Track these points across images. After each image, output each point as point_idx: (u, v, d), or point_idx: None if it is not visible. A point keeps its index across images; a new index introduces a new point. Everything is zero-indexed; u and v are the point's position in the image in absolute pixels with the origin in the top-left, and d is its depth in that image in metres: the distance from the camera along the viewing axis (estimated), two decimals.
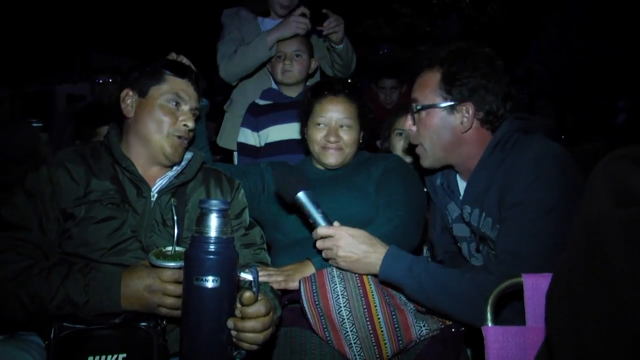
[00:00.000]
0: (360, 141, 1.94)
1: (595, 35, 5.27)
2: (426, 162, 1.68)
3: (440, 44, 4.80)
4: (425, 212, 1.91)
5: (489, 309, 1.16)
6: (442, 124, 1.59)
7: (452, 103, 1.57)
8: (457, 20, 4.87)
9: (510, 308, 1.29)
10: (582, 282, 0.69)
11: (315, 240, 1.55)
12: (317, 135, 1.89)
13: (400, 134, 2.43)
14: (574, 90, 4.83)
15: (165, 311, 1.29)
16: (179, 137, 1.60)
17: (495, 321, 1.17)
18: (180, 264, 1.22)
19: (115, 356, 1.21)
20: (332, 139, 1.87)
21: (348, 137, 1.89)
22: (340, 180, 1.91)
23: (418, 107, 1.62)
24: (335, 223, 1.53)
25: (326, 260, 1.54)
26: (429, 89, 1.60)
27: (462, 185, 1.69)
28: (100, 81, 4.04)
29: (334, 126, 1.88)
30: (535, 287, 1.11)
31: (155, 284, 1.28)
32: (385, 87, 3.82)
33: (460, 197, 1.67)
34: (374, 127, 2.57)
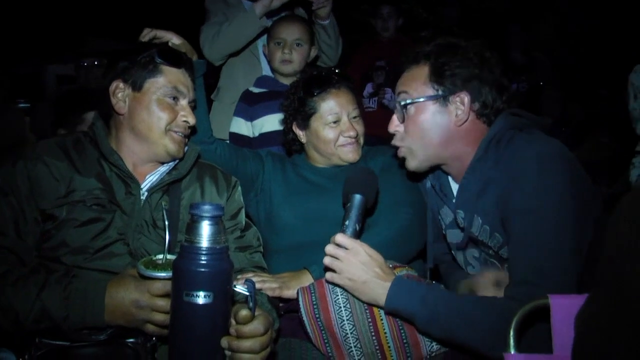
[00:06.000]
0: None
1: (594, 24, 5.19)
2: (412, 164, 1.53)
3: (440, 31, 4.68)
4: None
5: (511, 334, 1.04)
6: (433, 119, 1.45)
7: (444, 94, 1.44)
8: (456, 5, 4.75)
9: (532, 333, 1.17)
10: (621, 347, 0.63)
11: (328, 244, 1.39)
12: (333, 134, 1.80)
13: None
14: (576, 81, 4.73)
15: (152, 328, 1.18)
16: (180, 133, 1.49)
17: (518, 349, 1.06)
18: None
19: None
20: (352, 133, 1.80)
21: (360, 127, 1.84)
22: (341, 179, 1.80)
23: (407, 101, 1.48)
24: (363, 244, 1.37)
25: (326, 270, 1.39)
26: (418, 82, 1.48)
27: (455, 187, 1.55)
28: (85, 64, 3.84)
29: (348, 120, 1.80)
30: (564, 309, 0.99)
31: (143, 299, 1.17)
32: (383, 14, 3.87)
33: (454, 201, 1.54)
34: None
